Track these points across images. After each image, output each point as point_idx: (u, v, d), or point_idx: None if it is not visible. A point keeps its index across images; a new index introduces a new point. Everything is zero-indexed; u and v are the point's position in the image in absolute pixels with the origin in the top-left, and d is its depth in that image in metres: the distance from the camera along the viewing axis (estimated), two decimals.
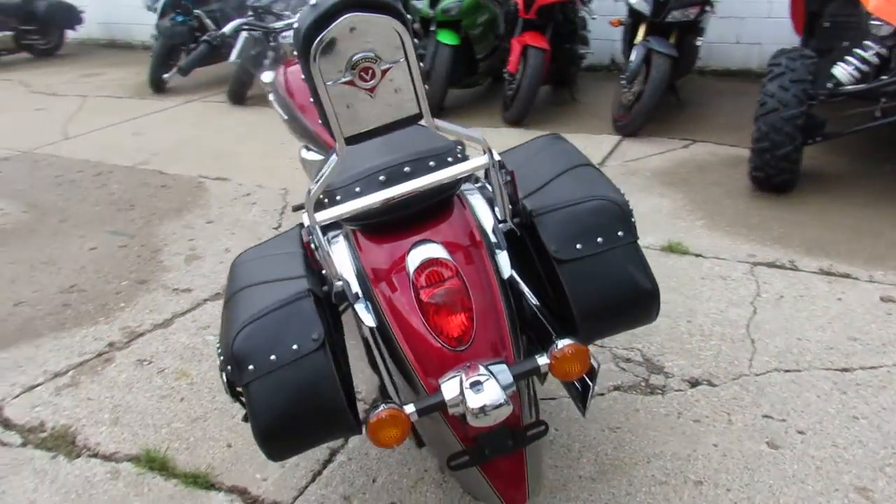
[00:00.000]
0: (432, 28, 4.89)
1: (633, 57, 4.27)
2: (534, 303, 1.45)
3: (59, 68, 7.35)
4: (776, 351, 2.23)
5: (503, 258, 1.40)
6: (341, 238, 1.50)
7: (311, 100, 1.21)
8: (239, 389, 1.33)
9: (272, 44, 2.54)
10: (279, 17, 2.55)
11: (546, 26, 4.69)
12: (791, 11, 4.27)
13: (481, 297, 1.32)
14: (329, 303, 1.41)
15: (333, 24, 1.11)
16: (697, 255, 2.87)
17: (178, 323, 2.61)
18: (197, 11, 6.01)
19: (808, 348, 2.23)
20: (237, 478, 1.88)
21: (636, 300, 1.40)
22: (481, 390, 1.19)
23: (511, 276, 1.39)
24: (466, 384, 1.20)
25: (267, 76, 2.47)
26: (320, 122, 1.23)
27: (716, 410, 2.00)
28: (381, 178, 1.38)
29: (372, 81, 1.17)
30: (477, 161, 1.37)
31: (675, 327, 2.40)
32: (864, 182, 3.39)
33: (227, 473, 1.89)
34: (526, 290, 1.46)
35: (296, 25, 1.18)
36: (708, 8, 4.34)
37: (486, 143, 1.33)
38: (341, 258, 1.44)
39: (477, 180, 1.65)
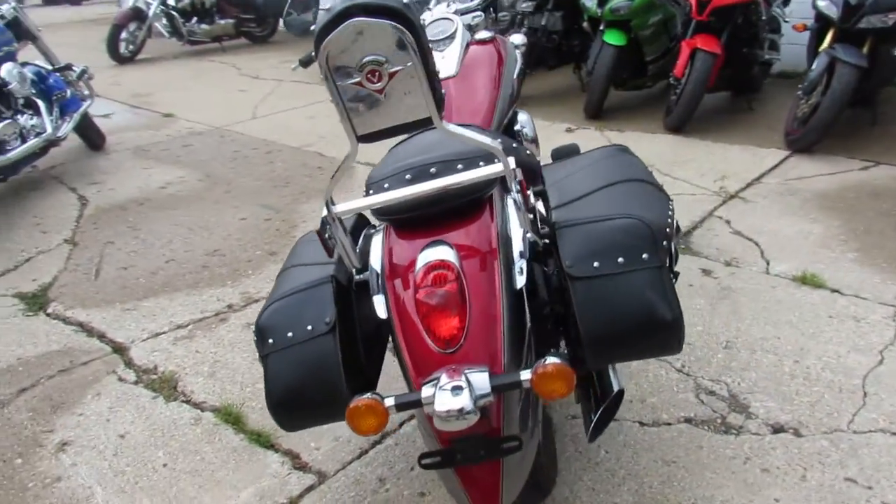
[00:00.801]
0: (601, 27, 4.77)
1: (814, 66, 3.87)
2: (544, 314, 1.40)
3: (267, 54, 8.14)
4: (890, 410, 1.94)
5: (519, 269, 1.37)
6: (381, 231, 1.56)
7: (330, 98, 1.27)
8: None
9: None
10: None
11: (721, 29, 4.37)
12: None
13: (480, 305, 1.30)
14: (351, 290, 1.47)
15: (337, 29, 1.15)
16: (833, 291, 2.55)
17: None
18: None
19: None
20: (294, 443, 2.01)
21: (651, 329, 1.30)
22: (452, 395, 1.18)
23: (525, 288, 1.36)
24: (441, 387, 1.20)
25: None
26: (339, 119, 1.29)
27: (791, 463, 1.79)
28: (408, 176, 1.41)
29: (379, 84, 1.20)
30: (490, 168, 1.34)
31: (778, 366, 2.17)
32: None
33: (286, 438, 2.03)
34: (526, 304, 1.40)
35: (312, 28, 1.25)
36: None
37: (503, 153, 1.30)
38: (375, 251, 1.49)
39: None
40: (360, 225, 1.69)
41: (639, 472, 1.81)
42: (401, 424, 2.06)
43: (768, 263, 2.80)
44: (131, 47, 8.08)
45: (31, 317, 2.80)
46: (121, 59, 7.96)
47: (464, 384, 1.19)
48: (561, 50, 5.46)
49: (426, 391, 1.22)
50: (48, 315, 2.80)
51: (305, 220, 3.53)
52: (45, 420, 2.19)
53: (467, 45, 2.34)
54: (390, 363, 1.69)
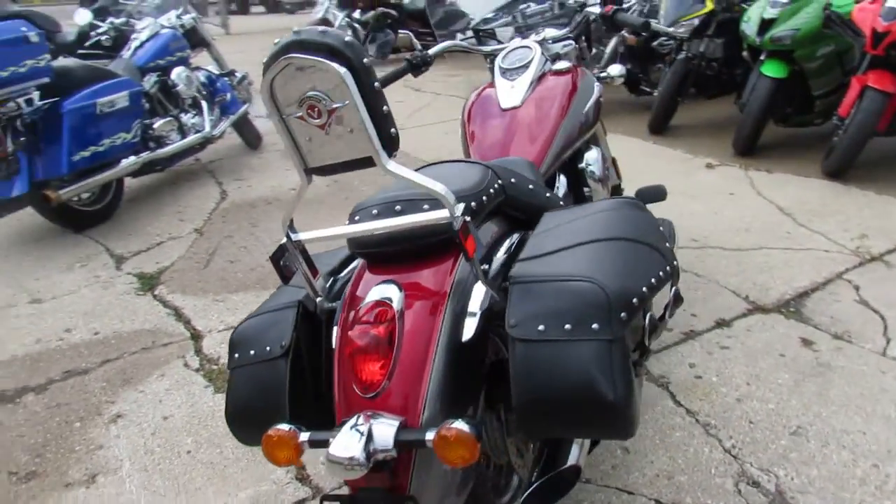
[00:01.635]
0: (761, 57, 4.37)
1: None
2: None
3: (434, 68, 8.37)
4: None
5: (471, 321, 1.29)
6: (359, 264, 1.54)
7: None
8: None
9: (488, 66, 2.61)
10: (496, 41, 2.60)
11: None
12: None
13: (409, 352, 1.23)
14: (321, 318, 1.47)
15: (274, 64, 1.16)
16: None
17: None
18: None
19: None
20: (307, 456, 2.05)
21: (588, 407, 1.16)
22: (347, 442, 1.14)
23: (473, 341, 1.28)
24: (343, 431, 1.16)
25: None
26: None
27: None
28: (374, 211, 1.38)
29: (319, 119, 1.19)
30: (432, 214, 1.27)
31: (849, 467, 1.85)
32: None
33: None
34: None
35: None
36: None
37: (449, 200, 1.23)
38: (347, 283, 1.48)
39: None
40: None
41: None
42: None
43: (888, 342, 2.40)
44: None
45: (140, 296, 3.11)
46: None
47: (362, 433, 1.15)
48: (721, 78, 5.09)
49: (336, 433, 1.19)
50: (154, 296, 3.10)
51: None
52: (112, 391, 2.42)
53: (543, 76, 2.26)
54: None
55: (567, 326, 1.19)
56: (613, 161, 2.81)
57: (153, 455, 2.09)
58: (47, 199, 3.49)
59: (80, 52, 4.96)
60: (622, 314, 1.19)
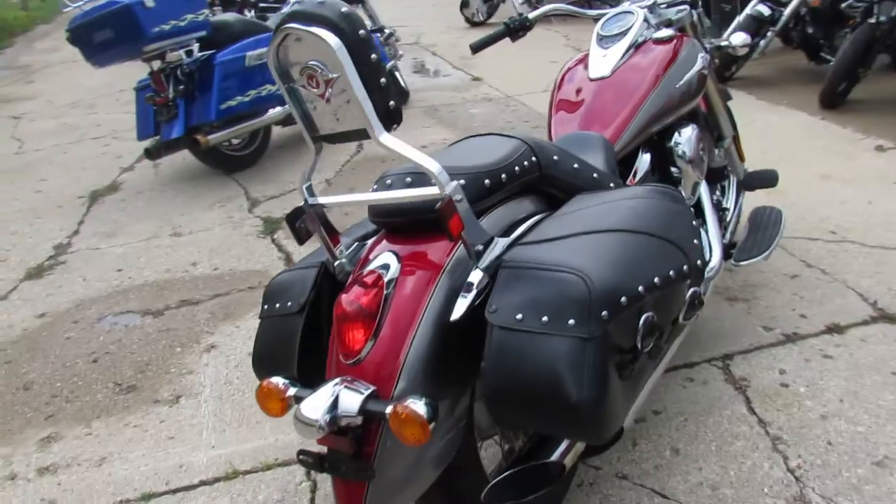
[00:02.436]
0: None
1: None
2: None
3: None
4: None
5: (463, 301, 1.26)
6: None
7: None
8: None
9: None
10: (609, 4, 2.44)
11: None
12: None
13: (393, 324, 1.24)
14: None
15: (274, 35, 1.20)
16: None
17: None
18: None
19: None
20: None
21: (553, 406, 1.11)
22: (313, 403, 1.17)
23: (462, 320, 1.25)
24: (314, 392, 1.20)
25: None
26: None
27: None
28: (388, 181, 1.39)
29: (318, 89, 1.21)
30: (423, 190, 1.24)
31: None
32: None
33: None
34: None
35: None
36: None
37: (440, 177, 1.20)
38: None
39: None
40: None
41: None
42: None
43: None
44: (482, 12, 8.67)
45: (261, 238, 3.36)
46: (472, 23, 8.63)
47: (330, 397, 1.18)
48: None
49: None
50: (272, 240, 3.33)
51: None
52: (213, 324, 2.66)
53: (642, 44, 2.11)
54: None
55: (544, 318, 1.14)
56: (735, 139, 2.57)
57: (230, 386, 2.29)
58: (198, 142, 3.84)
59: (260, 4, 5.34)
60: (603, 312, 1.11)
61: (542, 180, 1.52)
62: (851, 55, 4.38)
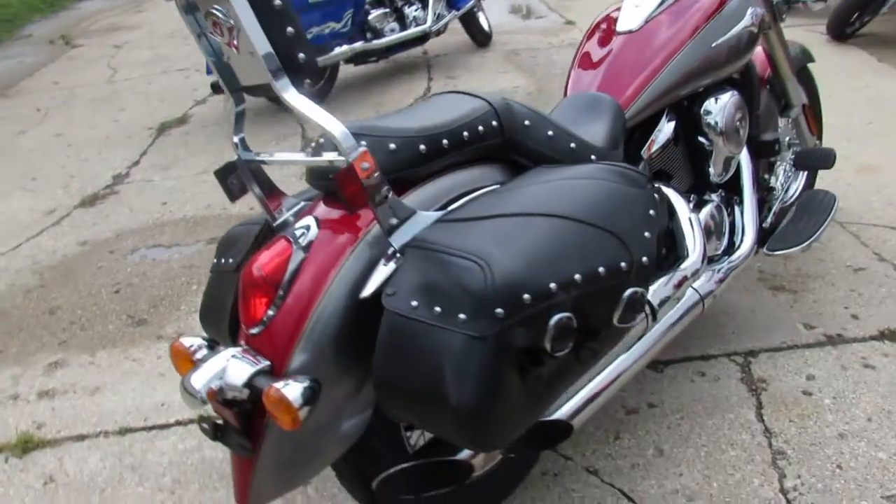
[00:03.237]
0: None
1: None
2: None
3: None
4: None
5: (378, 277, 1.15)
6: None
7: None
8: None
9: None
10: None
11: None
12: None
13: (297, 295, 1.14)
14: None
15: None
16: None
17: None
18: None
19: None
20: None
21: (434, 407, 0.99)
22: (198, 371, 1.11)
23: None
24: (208, 362, 1.14)
25: None
26: None
27: None
28: (322, 140, 1.27)
29: (224, 38, 1.11)
30: (326, 156, 1.12)
31: None
32: None
33: None
34: None
35: None
36: None
37: (344, 143, 1.07)
38: None
39: None
40: None
41: None
42: None
43: None
44: None
45: (299, 181, 3.33)
46: None
47: (212, 367, 1.12)
48: None
49: None
50: None
51: None
52: None
53: None
54: None
55: (437, 309, 1.01)
56: (810, 109, 2.25)
57: None
58: None
59: None
60: (497, 310, 0.97)
61: (506, 148, 1.36)
62: None
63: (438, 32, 4.73)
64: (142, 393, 2.04)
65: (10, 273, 2.77)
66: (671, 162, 1.80)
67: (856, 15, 4.58)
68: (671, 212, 1.73)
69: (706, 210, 1.80)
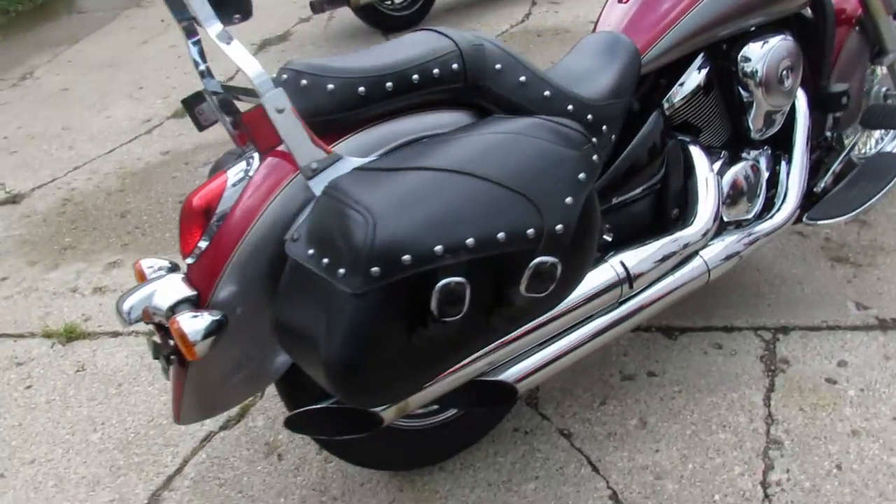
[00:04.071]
0: None
1: None
2: None
3: None
4: None
5: (301, 217, 1.14)
6: None
7: None
8: None
9: None
10: None
11: None
12: None
13: (227, 228, 1.16)
14: None
15: None
16: None
17: None
18: None
19: None
20: None
21: (312, 353, 1.00)
22: (133, 294, 1.17)
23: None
24: (145, 285, 1.19)
25: None
26: None
27: None
28: (284, 76, 1.25)
29: None
30: (255, 99, 1.09)
31: None
32: None
33: None
34: None
35: None
36: None
37: (262, 87, 1.04)
38: None
39: None
40: None
41: None
42: None
43: None
44: None
45: None
46: None
47: (145, 291, 1.17)
48: None
49: None
50: None
51: None
52: None
53: None
54: None
55: (325, 260, 1.00)
56: None
57: None
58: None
59: None
60: (374, 268, 0.94)
61: (470, 93, 1.28)
62: None
63: None
64: None
65: (99, 175, 3.02)
66: (700, 114, 1.62)
67: None
68: (688, 171, 1.58)
69: (735, 169, 1.62)
